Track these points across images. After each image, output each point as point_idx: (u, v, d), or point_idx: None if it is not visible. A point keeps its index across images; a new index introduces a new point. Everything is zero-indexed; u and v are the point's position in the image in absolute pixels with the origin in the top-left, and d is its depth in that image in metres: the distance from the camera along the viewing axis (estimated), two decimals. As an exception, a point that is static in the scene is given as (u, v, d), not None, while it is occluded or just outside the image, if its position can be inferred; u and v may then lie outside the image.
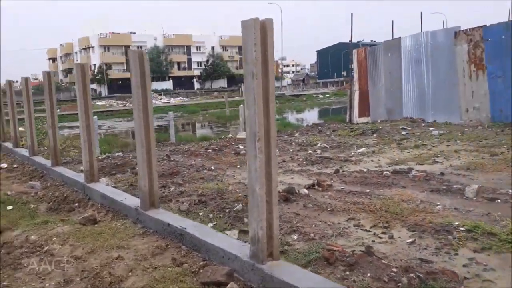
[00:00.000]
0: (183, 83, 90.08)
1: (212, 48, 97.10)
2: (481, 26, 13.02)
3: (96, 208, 5.32)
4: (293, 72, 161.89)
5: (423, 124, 13.89)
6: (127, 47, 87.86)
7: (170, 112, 14.14)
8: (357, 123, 15.82)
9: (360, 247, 3.99)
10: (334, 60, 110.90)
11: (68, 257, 3.79)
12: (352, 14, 17.64)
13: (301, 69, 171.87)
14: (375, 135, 12.16)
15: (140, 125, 4.28)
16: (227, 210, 5.24)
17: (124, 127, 27.02)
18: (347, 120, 17.99)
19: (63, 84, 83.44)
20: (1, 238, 4.63)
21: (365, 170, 7.56)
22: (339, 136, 12.60)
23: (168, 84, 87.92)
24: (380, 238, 4.27)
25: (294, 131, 15.50)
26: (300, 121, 21.87)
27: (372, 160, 8.57)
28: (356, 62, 17.28)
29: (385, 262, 3.36)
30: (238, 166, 8.56)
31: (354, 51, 17.51)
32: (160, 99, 48.28)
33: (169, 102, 45.68)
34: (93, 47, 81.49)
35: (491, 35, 12.78)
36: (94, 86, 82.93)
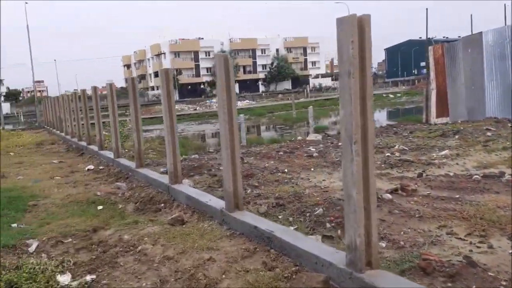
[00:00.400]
0: (248, 86, 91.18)
1: (277, 50, 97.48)
2: None
3: (182, 209, 5.46)
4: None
5: (509, 125, 12.97)
6: (196, 52, 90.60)
7: (241, 115, 14.32)
8: (435, 124, 15.12)
9: (456, 257, 3.76)
10: (404, 59, 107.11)
11: (161, 257, 3.90)
12: (427, 9, 16.90)
13: (372, 67, 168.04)
14: (457, 137, 11.53)
15: (225, 127, 4.33)
16: (307, 214, 5.17)
17: (196, 130, 27.79)
18: (424, 120, 17.23)
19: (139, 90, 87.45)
20: (95, 236, 4.89)
21: (451, 174, 7.18)
22: (418, 137, 12.08)
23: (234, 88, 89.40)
24: (478, 247, 4.01)
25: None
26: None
27: (457, 164, 8.12)
28: (433, 59, 16.51)
29: (492, 274, 3.13)
30: (312, 169, 8.46)
31: (430, 48, 16.76)
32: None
33: (237, 106, 46.36)
34: (164, 53, 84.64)
35: None
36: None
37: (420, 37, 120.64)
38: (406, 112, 27.92)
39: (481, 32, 14.86)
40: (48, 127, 25.61)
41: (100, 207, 6.50)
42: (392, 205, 5.56)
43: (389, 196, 5.93)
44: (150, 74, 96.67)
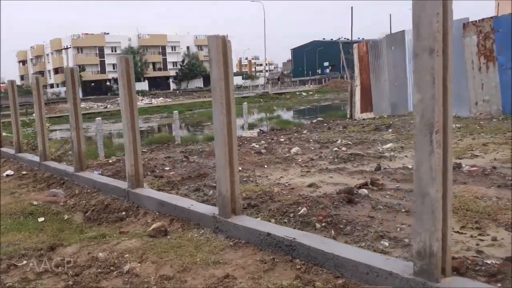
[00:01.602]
0: (158, 84, 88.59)
1: (188, 48, 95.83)
2: (492, 17, 12.88)
3: (154, 216, 4.74)
4: (266, 71, 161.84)
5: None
6: (101, 48, 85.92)
7: (175, 112, 13.49)
8: (363, 119, 15.54)
9: (467, 251, 3.57)
10: (308, 59, 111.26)
11: (157, 278, 3.22)
12: (352, 8, 17.33)
13: (274, 67, 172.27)
14: (390, 130, 11.86)
15: (223, 122, 3.75)
16: (291, 215, 4.74)
17: (114, 129, 26.00)
18: (348, 116, 17.69)
19: (29, 87, 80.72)
20: (54, 255, 4.01)
21: (409, 166, 7.19)
22: (353, 132, 12.24)
23: (143, 85, 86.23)
24: (482, 241, 3.87)
25: (299, 128, 15.11)
26: (297, 119, 21.41)
27: (406, 156, 8.21)
28: (357, 57, 16.99)
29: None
30: (266, 166, 8.09)
31: (355, 45, 17.22)
32: (141, 100, 47.12)
33: (151, 103, 44.57)
34: (69, 48, 78.77)
35: (502, 25, 12.64)
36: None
37: (324, 38, 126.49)
38: (325, 109, 28.72)
39: (403, 31, 15.53)
40: None
41: (41, 219, 5.50)
42: (372, 200, 5.35)
43: (365, 191, 5.72)
44: (49, 71, 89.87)
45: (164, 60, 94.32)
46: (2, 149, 10.94)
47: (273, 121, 20.94)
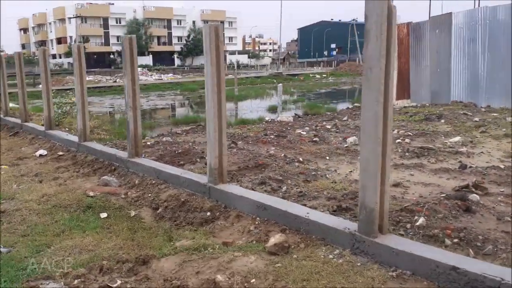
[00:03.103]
0: (162, 59, 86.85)
1: (193, 22, 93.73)
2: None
3: (254, 222, 3.94)
4: (270, 50, 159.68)
5: (483, 110, 12.82)
6: (105, 19, 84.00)
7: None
8: (403, 107, 14.67)
9: None
10: (316, 40, 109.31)
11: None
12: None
13: (278, 47, 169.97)
14: (442, 121, 11.02)
15: (376, 115, 2.90)
16: (407, 226, 3.93)
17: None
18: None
19: (36, 57, 79.02)
20: (150, 271, 3.21)
21: (502, 166, 6.40)
22: (401, 121, 11.40)
23: (147, 60, 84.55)
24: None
25: (335, 114, 14.25)
26: (324, 103, 20.47)
27: (482, 152, 7.43)
28: (396, 39, 15.98)
29: None
30: (327, 157, 7.31)
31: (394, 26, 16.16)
32: (151, 75, 45.59)
33: (162, 79, 43.26)
34: (78, 16, 76.47)
35: None
36: (70, 60, 79.02)
37: (332, 19, 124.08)
38: (349, 94, 27.67)
39: (450, 13, 14.54)
40: None
41: (103, 215, 4.71)
42: (488, 208, 4.57)
43: (476, 197, 4.93)
44: (51, 40, 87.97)
45: (169, 34, 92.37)
46: (28, 124, 10.08)
47: (299, 104, 20.01)
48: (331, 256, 3.16)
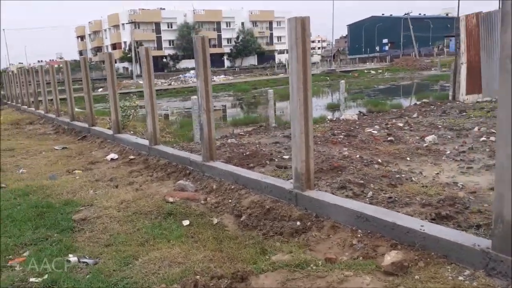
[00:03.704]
0: (213, 61, 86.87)
1: (242, 23, 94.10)
2: None
3: (351, 233, 3.57)
4: (319, 48, 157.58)
5: None
6: (157, 24, 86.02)
7: (270, 91, 12.25)
8: (476, 101, 13.74)
9: None
10: (366, 35, 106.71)
11: None
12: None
13: (327, 44, 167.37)
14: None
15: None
16: None
17: (184, 107, 25.20)
18: (450, 97, 15.85)
19: (92, 63, 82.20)
20: (249, 290, 2.91)
21: None
22: (478, 117, 10.61)
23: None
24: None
25: (402, 110, 13.55)
26: (386, 99, 19.65)
27: None
28: (465, 30, 15.01)
29: None
30: (408, 158, 6.81)
31: (462, 17, 15.21)
32: (204, 77, 46.03)
33: (214, 81, 43.65)
34: (134, 22, 78.80)
35: None
36: (125, 64, 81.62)
37: (383, 14, 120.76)
38: (411, 89, 26.48)
39: (526, 0, 13.43)
40: (13, 103, 22.44)
41: (185, 222, 4.49)
42: None
43: None
44: (107, 46, 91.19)
45: (219, 37, 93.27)
46: (96, 128, 10.20)
47: (360, 101, 19.34)
48: (461, 278, 2.73)
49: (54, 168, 7.39)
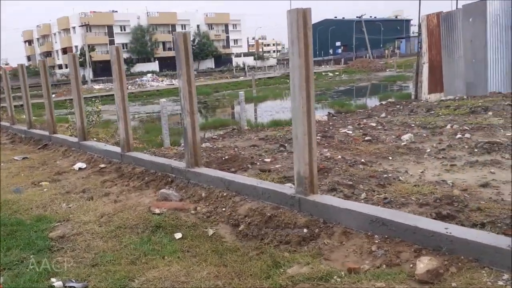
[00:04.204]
0: (168, 65, 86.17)
1: (198, 26, 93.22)
2: None
3: (367, 239, 3.33)
4: (273, 51, 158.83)
5: (529, 99, 12.12)
6: (110, 27, 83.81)
7: (241, 93, 11.91)
8: (441, 100, 14.00)
9: None
10: (320, 38, 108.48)
11: None
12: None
13: (282, 47, 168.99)
14: (491, 113, 10.35)
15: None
16: None
17: (151, 112, 24.33)
18: (413, 97, 16.16)
19: (36, 68, 78.77)
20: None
21: None
22: (446, 115, 10.75)
23: (154, 66, 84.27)
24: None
25: (369, 111, 13.61)
26: (349, 100, 19.79)
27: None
28: (426, 30, 15.35)
29: None
30: (390, 158, 6.72)
31: (423, 17, 15.54)
32: (162, 81, 45.05)
33: (173, 84, 42.69)
34: (87, 25, 76.06)
35: None
36: (77, 69, 78.76)
37: (335, 17, 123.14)
38: (372, 90, 26.89)
39: (485, 1, 13.87)
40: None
41: (178, 235, 4.12)
42: None
43: None
44: (57, 51, 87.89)
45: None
46: (58, 136, 9.54)
47: (325, 103, 19.40)
48: (501, 283, 2.54)
49: (17, 180, 6.77)
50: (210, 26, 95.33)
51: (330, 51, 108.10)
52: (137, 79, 46.08)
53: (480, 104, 11.70)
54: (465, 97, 13.83)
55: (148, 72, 73.81)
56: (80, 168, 7.21)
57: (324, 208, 3.74)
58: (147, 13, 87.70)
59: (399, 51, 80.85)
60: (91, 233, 4.26)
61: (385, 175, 5.62)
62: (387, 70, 45.48)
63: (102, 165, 7.04)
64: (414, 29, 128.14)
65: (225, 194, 4.73)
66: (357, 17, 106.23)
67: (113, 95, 6.80)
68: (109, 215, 4.69)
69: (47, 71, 9.74)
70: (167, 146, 10.08)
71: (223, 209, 4.52)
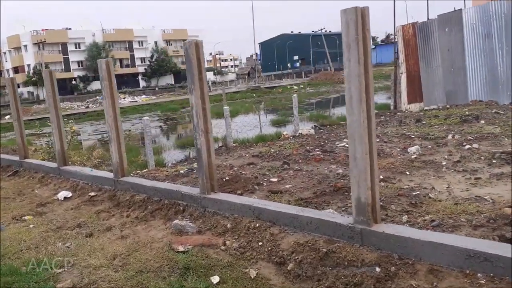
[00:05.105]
0: (126, 82, 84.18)
1: (155, 42, 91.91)
2: None
3: (466, 278, 2.79)
4: (231, 66, 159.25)
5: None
6: (64, 44, 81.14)
7: (226, 108, 11.26)
8: (425, 110, 13.90)
9: None
10: (278, 53, 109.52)
11: None
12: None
13: (239, 62, 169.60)
14: (482, 122, 10.23)
15: None
16: None
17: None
18: (392, 107, 16.06)
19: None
20: None
21: None
22: (438, 125, 10.55)
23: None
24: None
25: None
26: (326, 113, 19.51)
27: None
28: (402, 40, 15.32)
29: None
30: (408, 173, 6.31)
31: (399, 27, 15.52)
32: (124, 98, 43.56)
33: (136, 101, 41.33)
34: (43, 42, 72.82)
35: None
36: (30, 88, 75.76)
37: (292, 31, 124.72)
38: (340, 101, 26.78)
39: (460, 10, 13.98)
40: None
41: (215, 279, 3.43)
42: None
43: None
44: (7, 70, 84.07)
45: (132, 56, 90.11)
46: (32, 161, 8.55)
47: (303, 116, 19.00)
48: None
49: (-7, 215, 5.83)
50: (168, 42, 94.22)
51: (288, 65, 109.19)
52: (98, 97, 44.41)
53: (467, 113, 11.61)
54: (448, 106, 13.80)
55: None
56: (65, 198, 6.34)
57: (399, 241, 3.17)
58: (103, 30, 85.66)
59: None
60: (108, 281, 3.50)
61: (413, 193, 5.17)
62: (350, 82, 45.87)
63: (92, 193, 6.21)
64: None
65: (257, 225, 4.08)
66: (312, 31, 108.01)
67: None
68: (123, 255, 3.94)
69: (16, 90, 8.77)
70: (152, 167, 9.28)
71: (259, 243, 3.87)
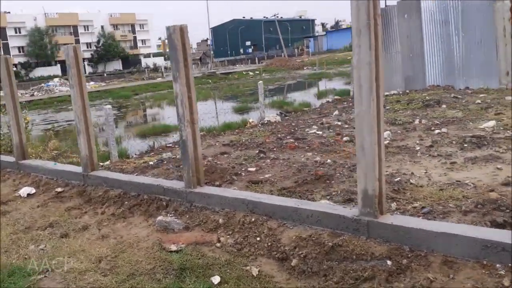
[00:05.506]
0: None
1: (102, 27, 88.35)
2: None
3: (482, 268, 2.73)
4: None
5: (469, 92, 12.57)
6: (3, 29, 76.39)
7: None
8: (385, 95, 14.07)
9: None
10: (231, 38, 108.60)
11: None
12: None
13: (190, 48, 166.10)
14: (444, 106, 10.50)
15: None
16: None
17: (66, 119, 21.96)
18: (352, 93, 16.20)
19: None
20: None
21: None
22: (405, 110, 10.72)
23: (55, 70, 78.10)
24: None
25: (319, 109, 13.29)
26: (288, 99, 19.44)
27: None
28: (362, 27, 15.41)
29: None
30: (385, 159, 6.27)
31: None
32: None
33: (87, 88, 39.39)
34: None
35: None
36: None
37: (244, 17, 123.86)
38: (304, 87, 26.85)
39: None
40: None
41: (215, 279, 3.22)
42: None
43: None
44: None
45: (77, 41, 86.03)
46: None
47: (266, 102, 18.90)
48: None
49: None
50: (115, 26, 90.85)
51: (241, 50, 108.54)
52: (43, 84, 42.16)
53: (428, 97, 11.86)
54: (407, 91, 14.08)
55: (50, 76, 68.33)
56: (29, 194, 5.86)
57: (409, 232, 3.08)
58: (45, 14, 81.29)
59: (307, 50, 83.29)
60: (98, 286, 3.20)
61: (395, 179, 5.15)
62: (305, 68, 46.45)
63: (59, 189, 5.77)
64: (318, 29, 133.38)
65: (252, 219, 3.89)
66: (264, 17, 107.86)
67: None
68: (109, 258, 3.63)
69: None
70: (116, 159, 8.82)
71: (257, 238, 3.68)
